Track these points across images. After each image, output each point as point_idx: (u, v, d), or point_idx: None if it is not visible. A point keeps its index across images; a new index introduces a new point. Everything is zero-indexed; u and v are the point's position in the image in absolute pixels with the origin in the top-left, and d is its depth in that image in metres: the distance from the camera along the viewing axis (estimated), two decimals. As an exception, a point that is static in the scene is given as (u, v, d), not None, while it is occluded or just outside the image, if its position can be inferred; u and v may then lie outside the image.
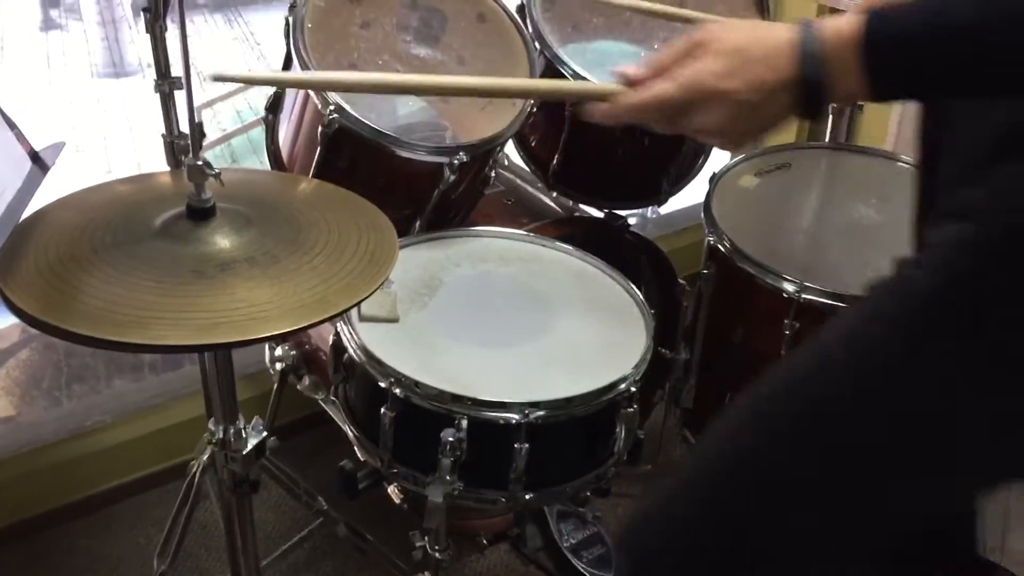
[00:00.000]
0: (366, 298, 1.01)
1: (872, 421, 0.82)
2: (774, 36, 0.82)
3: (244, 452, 1.19)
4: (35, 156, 1.09)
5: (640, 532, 0.95)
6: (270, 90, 1.67)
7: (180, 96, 1.44)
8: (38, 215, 1.05)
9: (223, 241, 1.02)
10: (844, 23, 0.78)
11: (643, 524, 0.95)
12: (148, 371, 2.36)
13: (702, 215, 1.70)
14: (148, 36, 1.35)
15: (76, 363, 2.38)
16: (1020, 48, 0.73)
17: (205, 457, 1.61)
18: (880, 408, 0.82)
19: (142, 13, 1.34)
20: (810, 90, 0.81)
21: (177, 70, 1.41)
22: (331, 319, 0.99)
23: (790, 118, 0.84)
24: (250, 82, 0.82)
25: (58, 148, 1.11)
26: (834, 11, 2.28)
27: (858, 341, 0.84)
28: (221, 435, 1.19)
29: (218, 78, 0.81)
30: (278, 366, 1.73)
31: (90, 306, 0.91)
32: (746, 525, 0.87)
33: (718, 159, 1.95)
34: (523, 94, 0.88)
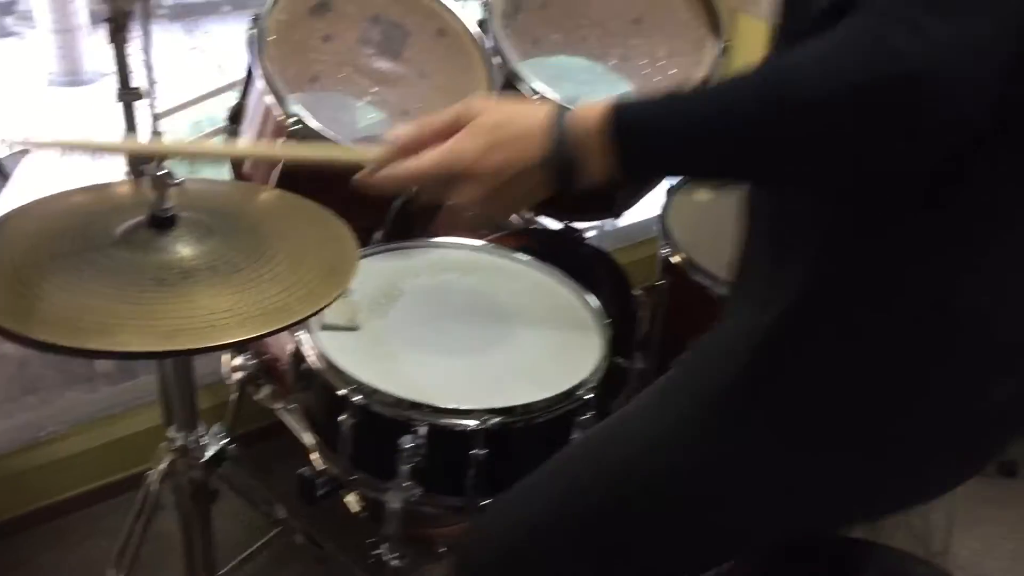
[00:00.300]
0: (328, 306, 1.03)
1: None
2: (530, 117, 0.86)
3: (204, 459, 1.19)
4: (-5, 164, 1.09)
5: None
6: (229, 100, 1.68)
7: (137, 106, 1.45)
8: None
9: (184, 250, 1.03)
10: (593, 110, 0.82)
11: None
12: (102, 382, 2.34)
13: (658, 228, 1.74)
14: (110, 46, 1.35)
15: (29, 374, 2.35)
16: (737, 153, 0.80)
17: (163, 466, 1.61)
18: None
19: (105, 23, 1.34)
20: (561, 171, 0.85)
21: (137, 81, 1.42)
22: (292, 327, 1.01)
23: (548, 192, 0.88)
24: (48, 147, 0.83)
25: (19, 156, 1.11)
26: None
27: None
28: (181, 442, 1.19)
29: (24, 144, 0.81)
30: (236, 376, 1.73)
31: (51, 313, 0.91)
32: None
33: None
34: (303, 161, 0.93)
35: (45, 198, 1.11)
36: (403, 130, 0.89)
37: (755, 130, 0.77)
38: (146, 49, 0.98)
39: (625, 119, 0.82)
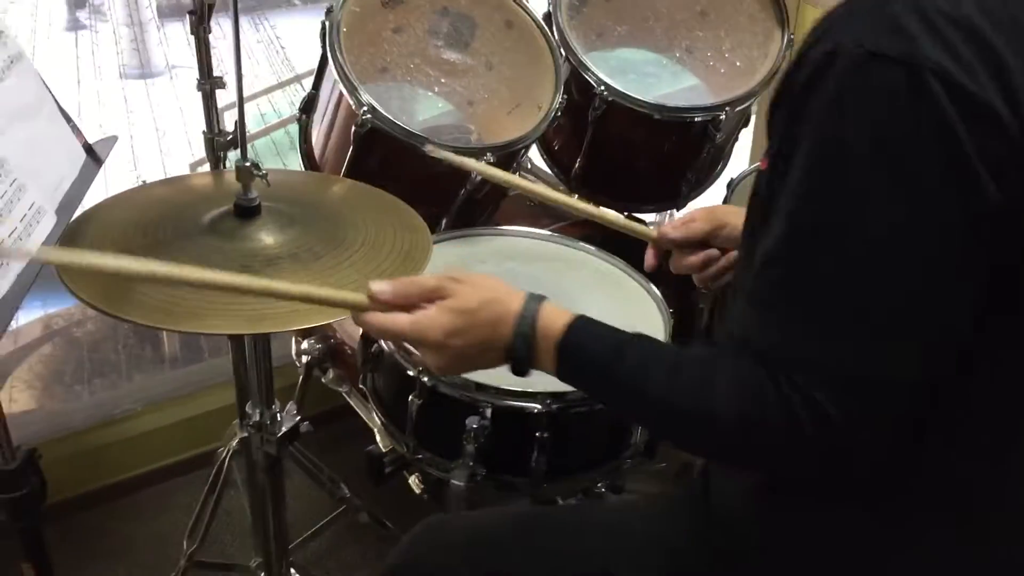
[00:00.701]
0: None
1: None
2: (503, 307, 0.94)
3: (279, 435, 1.24)
4: (89, 149, 1.15)
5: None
6: (293, 93, 1.72)
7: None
8: (92, 211, 1.11)
9: (268, 238, 1.07)
10: (556, 324, 0.93)
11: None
12: (168, 367, 2.42)
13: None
14: (192, 36, 1.40)
15: (98, 358, 2.44)
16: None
17: (235, 443, 1.67)
18: None
19: (188, 15, 1.39)
20: (516, 362, 0.95)
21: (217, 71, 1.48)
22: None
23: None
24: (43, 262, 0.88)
25: (110, 142, 1.17)
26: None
27: None
28: (258, 418, 1.24)
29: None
30: (304, 359, 1.79)
31: (147, 296, 0.96)
32: None
33: (736, 165, 2.00)
34: (281, 296, 0.98)
35: (135, 188, 1.16)
36: (386, 286, 0.94)
37: (648, 415, 0.93)
38: (235, 39, 1.02)
39: (569, 346, 0.92)
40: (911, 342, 0.76)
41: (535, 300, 0.95)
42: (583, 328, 0.93)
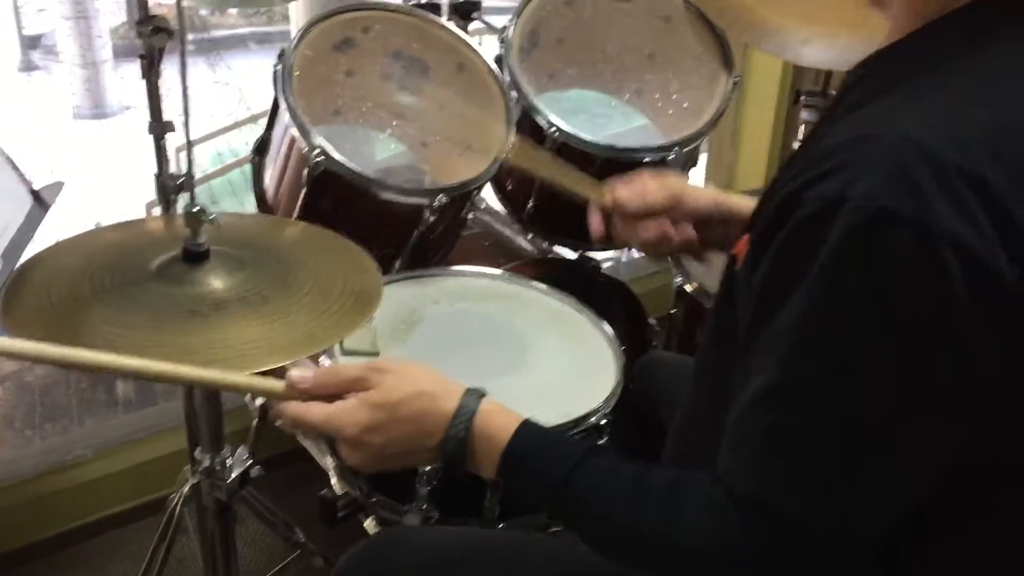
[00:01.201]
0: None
1: None
2: (431, 402, 0.89)
3: (229, 480, 1.23)
4: (36, 195, 1.14)
5: None
6: (250, 132, 1.73)
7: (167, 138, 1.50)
8: (38, 257, 1.10)
9: (217, 282, 1.07)
10: (498, 431, 0.88)
11: None
12: (122, 410, 2.39)
13: (672, 258, 1.77)
14: (143, 81, 1.41)
15: (49, 402, 2.40)
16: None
17: (186, 489, 1.65)
18: None
19: (138, 59, 1.39)
20: (448, 463, 0.89)
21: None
22: (317, 354, 1.05)
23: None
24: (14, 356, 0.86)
25: (57, 187, 1.16)
26: (798, 68, 2.39)
27: None
28: (208, 463, 1.23)
29: None
30: (258, 401, 1.77)
31: (91, 343, 0.95)
32: None
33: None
34: (204, 383, 0.97)
35: (84, 233, 1.15)
36: (306, 373, 0.90)
37: (600, 538, 0.89)
38: (183, 84, 1.02)
39: (514, 457, 0.88)
40: (895, 499, 0.77)
41: (473, 398, 0.90)
42: (529, 438, 0.89)
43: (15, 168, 1.13)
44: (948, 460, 0.76)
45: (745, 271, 0.83)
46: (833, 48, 1.71)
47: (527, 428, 0.89)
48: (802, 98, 1.98)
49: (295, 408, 0.89)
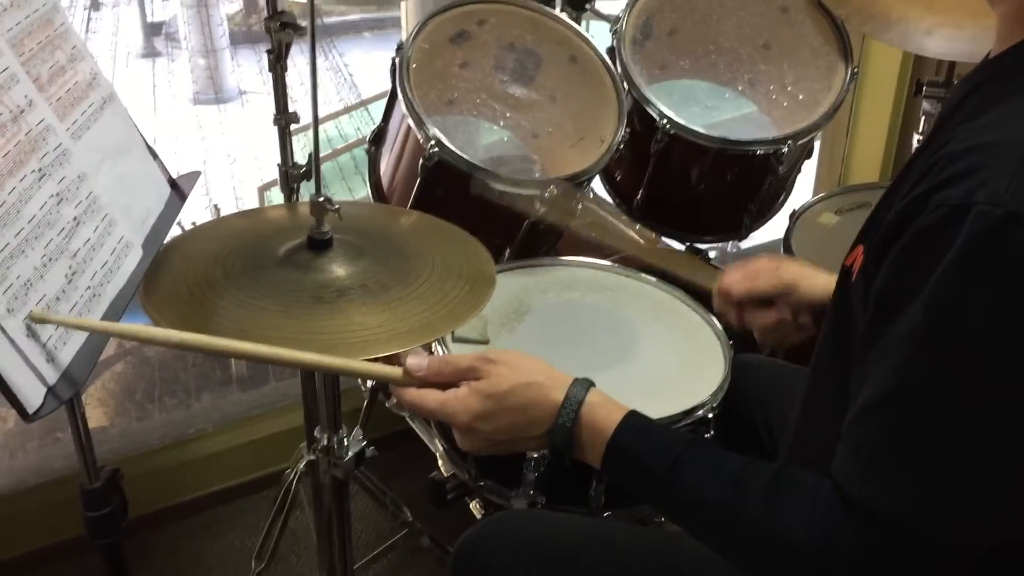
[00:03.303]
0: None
1: None
2: (539, 392, 0.92)
3: (346, 459, 1.28)
4: (174, 184, 1.21)
5: None
6: (359, 118, 1.77)
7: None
8: (175, 243, 1.17)
9: (339, 270, 1.11)
10: (604, 421, 0.91)
11: None
12: (236, 387, 2.49)
13: (782, 250, 1.75)
14: (270, 74, 1.47)
15: (168, 377, 2.52)
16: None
17: (302, 465, 1.72)
18: None
19: (266, 54, 1.46)
20: (556, 450, 0.93)
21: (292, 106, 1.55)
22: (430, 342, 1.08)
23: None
24: (73, 326, 0.92)
25: (193, 177, 1.22)
26: (918, 59, 2.32)
27: None
28: (326, 442, 1.28)
29: (39, 320, 0.89)
30: (369, 383, 1.83)
31: (223, 326, 1.01)
32: None
33: (799, 196, 2.00)
34: (324, 368, 1.02)
35: (214, 221, 1.21)
36: (422, 361, 0.95)
37: (704, 530, 0.90)
38: (313, 78, 1.07)
39: (619, 448, 0.90)
40: (1017, 511, 0.76)
41: (581, 388, 0.93)
42: (635, 429, 0.92)
43: (156, 158, 1.19)
44: None
45: (861, 281, 0.82)
46: (957, 39, 1.66)
47: (632, 419, 0.92)
48: (924, 89, 1.93)
49: (412, 394, 0.95)
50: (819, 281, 1.23)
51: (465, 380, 0.94)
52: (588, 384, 0.95)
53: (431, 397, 0.94)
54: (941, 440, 0.75)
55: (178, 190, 1.19)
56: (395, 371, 0.96)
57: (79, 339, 0.94)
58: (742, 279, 1.27)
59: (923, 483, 0.76)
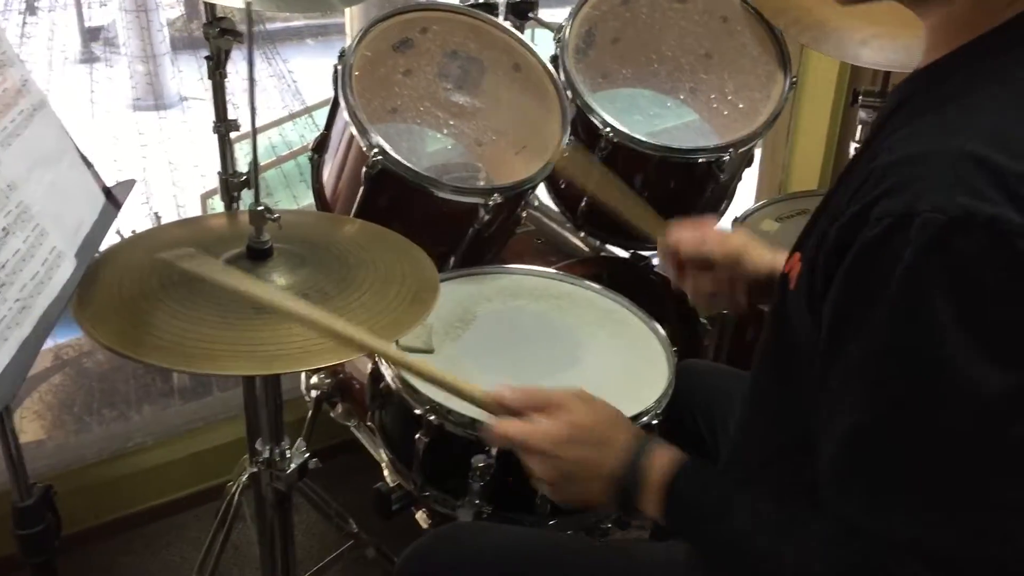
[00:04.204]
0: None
1: None
2: (616, 436, 0.97)
3: (288, 471, 1.26)
4: (108, 193, 1.18)
5: None
6: (303, 124, 1.76)
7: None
8: (110, 252, 1.14)
9: (280, 279, 1.10)
10: (667, 467, 0.93)
11: None
12: (178, 398, 2.44)
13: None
14: (209, 80, 1.45)
15: (108, 389, 2.46)
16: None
17: (244, 478, 1.69)
18: None
19: (205, 60, 1.43)
20: (621, 493, 0.95)
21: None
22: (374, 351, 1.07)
23: (608, 503, 0.97)
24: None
25: (128, 185, 1.20)
26: (855, 69, 2.37)
27: None
28: (267, 454, 1.26)
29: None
30: (313, 393, 1.81)
31: (161, 339, 0.99)
32: None
33: (741, 204, 2.03)
34: (423, 375, 1.07)
35: (151, 230, 1.19)
36: (509, 391, 1.00)
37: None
38: (250, 87, 1.05)
39: (678, 494, 0.92)
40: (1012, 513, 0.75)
41: (649, 438, 0.97)
42: (692, 472, 0.93)
43: (89, 166, 1.16)
44: None
45: (799, 292, 0.83)
46: (892, 48, 1.70)
47: (692, 463, 0.94)
48: (860, 98, 1.97)
49: (499, 423, 0.99)
50: (763, 258, 1.23)
51: (549, 413, 0.98)
52: (653, 436, 0.98)
53: (519, 424, 0.98)
54: (933, 457, 0.74)
55: (112, 199, 1.17)
56: (479, 392, 1.02)
57: (5, 355, 0.92)
58: (691, 239, 1.26)
59: (931, 508, 0.74)
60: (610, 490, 0.96)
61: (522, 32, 1.80)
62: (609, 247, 1.98)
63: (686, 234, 1.27)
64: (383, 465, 1.50)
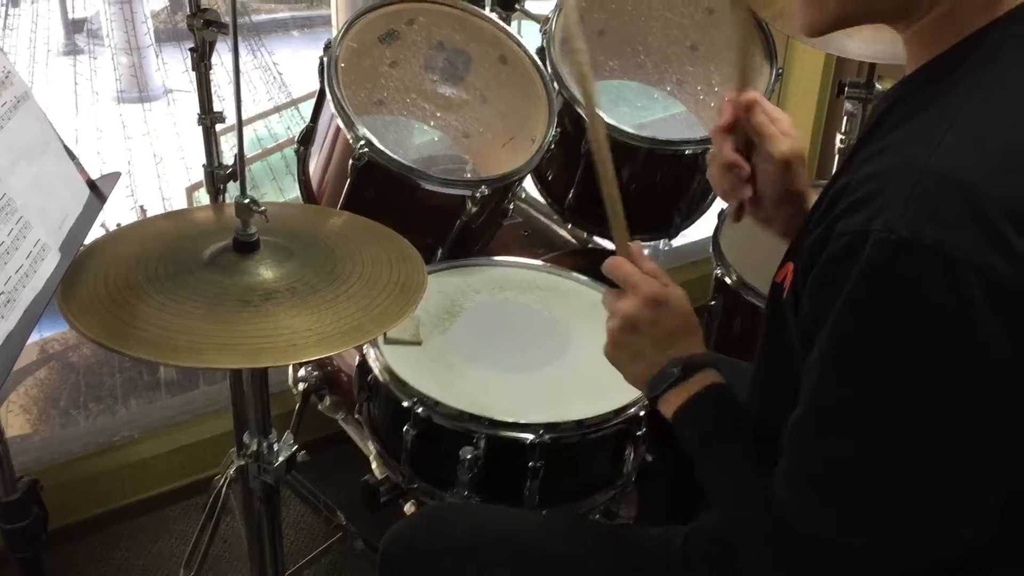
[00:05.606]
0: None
1: None
2: (686, 343, 1.03)
3: (276, 464, 1.26)
4: (93, 186, 1.17)
5: None
6: (289, 117, 1.75)
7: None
8: (95, 245, 1.13)
9: (267, 272, 1.10)
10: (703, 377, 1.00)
11: None
12: (165, 392, 2.43)
13: (711, 248, 1.78)
14: (194, 72, 1.44)
15: (94, 383, 2.45)
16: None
17: (232, 471, 1.69)
18: None
19: (189, 52, 1.43)
20: (658, 381, 1.02)
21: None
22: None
23: (644, 383, 1.05)
24: None
25: (113, 178, 1.19)
26: (841, 60, 2.37)
27: None
28: (255, 447, 1.26)
29: None
30: (301, 386, 1.81)
31: (147, 332, 0.98)
32: None
33: (726, 195, 2.03)
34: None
35: (137, 222, 1.18)
36: (649, 262, 1.09)
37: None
38: (236, 78, 1.05)
39: (699, 399, 0.99)
40: (945, 526, 0.79)
41: (713, 360, 1.02)
42: (718, 391, 0.99)
43: (73, 159, 1.16)
44: (998, 486, 0.77)
45: (792, 299, 0.85)
46: (877, 41, 1.71)
47: (723, 386, 1.00)
48: (846, 90, 1.97)
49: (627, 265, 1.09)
50: (803, 180, 1.16)
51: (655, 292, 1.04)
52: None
53: (637, 274, 1.06)
54: (858, 461, 0.78)
55: (97, 191, 1.16)
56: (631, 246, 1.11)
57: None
58: (770, 109, 1.17)
59: (838, 502, 0.79)
60: (655, 373, 1.02)
61: (508, 24, 1.80)
62: (596, 239, 1.98)
63: (785, 125, 1.17)
64: (371, 458, 1.50)
